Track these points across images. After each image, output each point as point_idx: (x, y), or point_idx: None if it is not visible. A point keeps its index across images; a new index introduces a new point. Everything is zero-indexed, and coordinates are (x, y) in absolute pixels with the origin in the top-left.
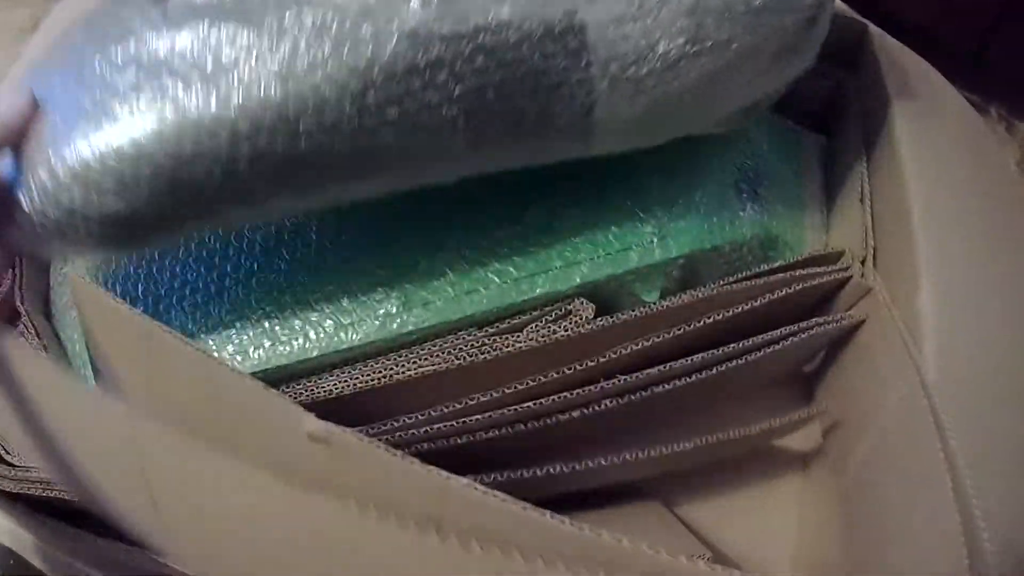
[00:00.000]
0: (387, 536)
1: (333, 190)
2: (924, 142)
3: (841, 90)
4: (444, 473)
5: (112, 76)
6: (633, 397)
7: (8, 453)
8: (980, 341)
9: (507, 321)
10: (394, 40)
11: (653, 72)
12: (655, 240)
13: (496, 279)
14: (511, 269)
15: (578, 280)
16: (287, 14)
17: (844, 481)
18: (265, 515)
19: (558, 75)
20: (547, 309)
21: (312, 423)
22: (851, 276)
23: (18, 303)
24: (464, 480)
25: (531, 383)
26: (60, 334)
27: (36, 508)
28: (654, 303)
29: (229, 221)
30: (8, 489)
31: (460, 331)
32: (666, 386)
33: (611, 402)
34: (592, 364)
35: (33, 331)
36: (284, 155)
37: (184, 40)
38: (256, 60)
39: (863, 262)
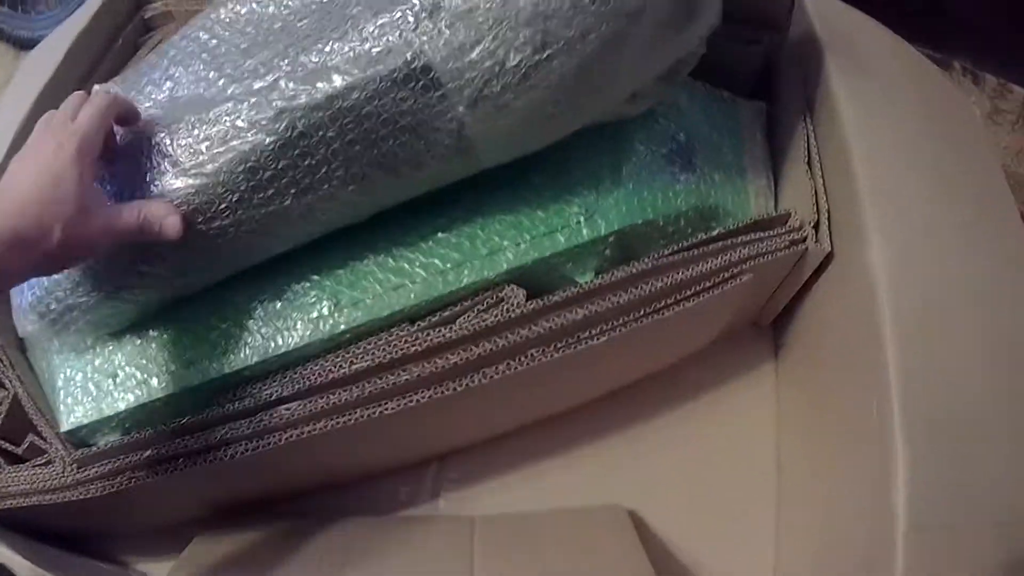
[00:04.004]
0: None
1: (256, 253)
2: (865, 98)
3: (775, 54)
4: None
5: None
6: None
7: None
8: (931, 288)
9: (439, 314)
10: (266, 122)
11: (509, 86)
12: (582, 220)
13: (423, 272)
14: (436, 261)
15: (504, 267)
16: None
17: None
18: None
19: (417, 113)
20: (478, 299)
21: None
22: (805, 238)
23: None
24: None
25: (459, 361)
26: (33, 365)
27: (31, 534)
28: (587, 282)
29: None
30: None
31: (393, 327)
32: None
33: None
34: (526, 333)
35: (8, 362)
36: (202, 231)
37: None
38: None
39: (816, 225)
